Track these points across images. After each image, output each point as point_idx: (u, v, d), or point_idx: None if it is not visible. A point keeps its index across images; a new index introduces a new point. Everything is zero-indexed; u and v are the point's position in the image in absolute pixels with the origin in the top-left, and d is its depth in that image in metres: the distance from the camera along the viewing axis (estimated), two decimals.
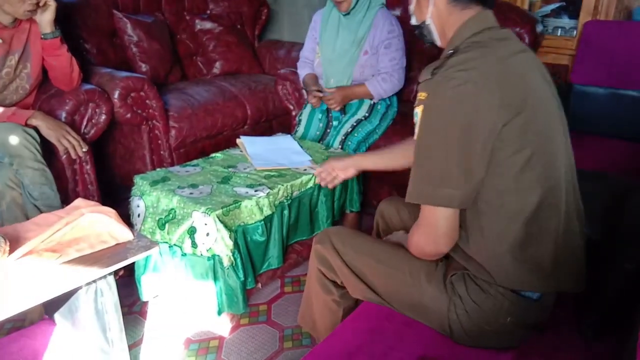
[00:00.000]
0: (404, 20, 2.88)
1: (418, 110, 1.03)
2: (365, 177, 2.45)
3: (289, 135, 2.29)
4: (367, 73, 2.34)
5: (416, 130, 1.04)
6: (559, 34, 2.84)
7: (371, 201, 2.51)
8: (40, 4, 1.85)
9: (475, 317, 1.09)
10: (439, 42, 1.18)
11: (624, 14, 2.77)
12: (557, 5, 2.92)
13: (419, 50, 2.69)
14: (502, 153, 0.98)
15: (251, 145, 2.14)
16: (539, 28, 2.59)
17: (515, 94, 0.99)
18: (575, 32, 2.73)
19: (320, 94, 2.29)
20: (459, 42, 1.06)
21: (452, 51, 1.04)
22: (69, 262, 1.23)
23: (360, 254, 1.26)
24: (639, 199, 1.27)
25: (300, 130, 2.41)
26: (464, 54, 1.01)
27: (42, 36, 1.91)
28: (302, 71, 2.48)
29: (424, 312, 1.16)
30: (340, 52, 2.33)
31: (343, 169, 1.64)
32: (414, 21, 1.21)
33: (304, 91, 2.48)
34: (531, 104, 1.00)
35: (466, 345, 1.13)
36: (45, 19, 1.88)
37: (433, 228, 1.04)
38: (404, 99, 2.69)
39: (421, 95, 1.02)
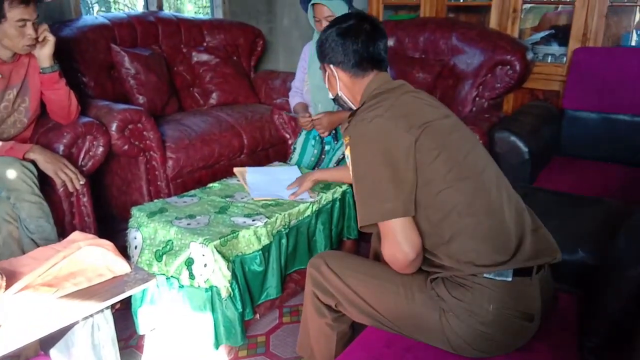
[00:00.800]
0: (396, 50, 2.95)
1: (347, 152, 1.22)
2: None
3: (295, 166, 2.29)
4: None
5: (350, 167, 1.21)
6: (549, 60, 2.89)
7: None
8: (40, 39, 1.88)
9: (462, 314, 1.14)
10: (354, 107, 1.40)
11: (613, 40, 2.84)
12: (546, 32, 2.99)
13: (411, 79, 2.73)
14: (424, 161, 1.16)
15: (252, 175, 2.15)
16: (530, 55, 2.65)
17: (416, 118, 1.20)
18: (565, 59, 2.78)
19: (308, 119, 2.31)
20: (365, 98, 1.32)
21: (361, 105, 1.30)
22: (66, 296, 1.22)
23: (355, 272, 1.32)
24: (633, 222, 1.28)
25: (295, 157, 2.42)
26: (368, 104, 1.26)
27: (41, 70, 1.94)
28: (293, 100, 2.51)
29: (420, 324, 1.21)
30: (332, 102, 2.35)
31: (302, 182, 1.99)
32: (329, 95, 1.46)
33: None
34: (430, 122, 1.20)
35: (470, 355, 1.17)
36: (44, 54, 1.91)
37: (393, 238, 1.16)
38: None
39: (345, 139, 1.23)
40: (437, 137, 1.19)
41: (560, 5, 3.06)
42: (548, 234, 1.24)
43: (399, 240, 1.15)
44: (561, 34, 2.93)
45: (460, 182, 1.17)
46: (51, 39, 1.90)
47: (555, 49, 2.93)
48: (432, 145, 1.17)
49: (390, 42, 2.98)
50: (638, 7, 2.75)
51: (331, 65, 1.38)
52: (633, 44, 2.73)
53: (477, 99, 2.66)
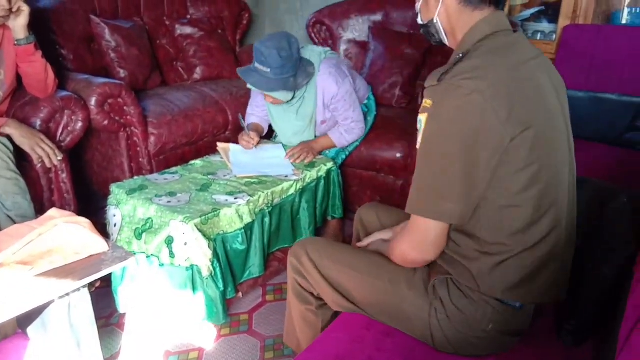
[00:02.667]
0: (385, 25, 2.90)
1: (422, 118, 0.98)
2: (347, 183, 2.44)
3: (280, 145, 2.25)
4: (330, 126, 2.27)
5: (419, 138, 1.00)
6: (538, 38, 2.86)
7: (354, 207, 2.50)
8: (14, 10, 1.80)
9: (457, 322, 1.08)
10: (447, 42, 1.13)
11: (603, 17, 2.81)
12: (536, 9, 2.95)
13: (399, 55, 2.69)
14: (507, 169, 0.95)
15: (235, 152, 2.12)
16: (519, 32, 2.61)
17: (526, 107, 0.94)
18: (554, 36, 2.75)
19: (254, 140, 2.15)
20: (469, 45, 1.02)
21: (460, 55, 1.00)
22: (42, 274, 1.20)
23: (337, 264, 1.23)
24: (618, 203, 1.27)
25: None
26: (473, 61, 0.96)
27: (16, 42, 1.87)
28: (249, 118, 2.33)
29: (405, 319, 1.15)
30: (299, 132, 2.24)
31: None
32: (420, 20, 1.15)
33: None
34: (541, 117, 0.97)
35: (448, 352, 1.12)
36: (19, 24, 1.83)
37: (423, 237, 1.02)
38: (385, 103, 2.69)
39: (426, 102, 0.97)
40: (539, 147, 0.96)
41: None
42: (569, 270, 1.12)
43: (427, 243, 1.02)
44: (551, 11, 2.89)
45: (534, 205, 0.98)
46: (25, 9, 1.82)
47: (545, 26, 2.90)
48: (528, 154, 0.94)
49: (379, 17, 2.93)
50: None
51: None
52: (624, 22, 2.70)
53: None
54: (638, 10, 2.66)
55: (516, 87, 0.94)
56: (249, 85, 2.04)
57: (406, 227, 1.06)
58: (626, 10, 2.70)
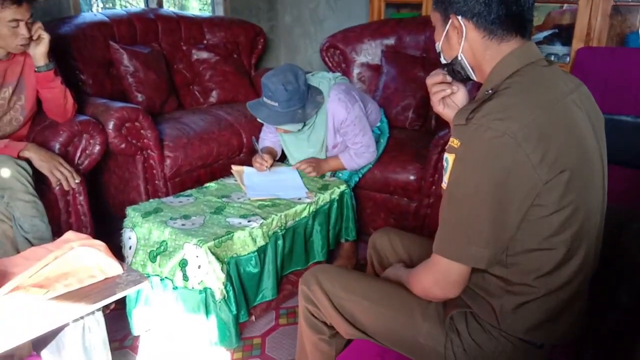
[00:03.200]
0: (397, 49, 2.92)
1: (449, 157, 0.94)
2: (360, 205, 2.44)
3: (296, 170, 2.27)
4: (341, 149, 2.28)
5: (445, 177, 0.96)
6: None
7: (367, 229, 2.50)
8: (34, 37, 1.86)
9: (474, 356, 1.06)
10: (474, 77, 1.07)
11: (616, 40, 2.81)
12: (549, 32, 2.96)
13: (411, 78, 2.70)
14: (539, 212, 0.91)
15: (250, 174, 2.14)
16: None
17: (560, 149, 0.89)
18: (568, 59, 2.75)
19: (267, 163, 2.17)
20: (498, 80, 0.97)
21: (490, 91, 0.95)
22: (57, 297, 1.21)
23: (349, 293, 1.20)
24: (636, 228, 1.25)
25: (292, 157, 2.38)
26: (503, 99, 0.90)
27: (36, 69, 1.92)
28: (263, 142, 2.36)
29: (419, 350, 1.13)
30: (309, 154, 2.26)
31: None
32: (443, 59, 1.10)
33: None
34: (577, 158, 0.92)
35: None
36: (39, 52, 1.89)
37: (445, 277, 0.99)
38: (398, 125, 2.70)
39: (453, 142, 0.93)
40: (573, 190, 0.91)
41: (565, 5, 3.03)
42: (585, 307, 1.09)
43: (449, 282, 0.99)
44: (565, 34, 2.90)
45: (565, 248, 0.95)
46: (45, 37, 1.88)
47: (558, 48, 2.90)
48: (562, 197, 0.90)
49: (391, 41, 2.96)
50: None
51: (459, 17, 0.99)
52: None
53: None
54: None
55: (550, 128, 0.89)
56: (259, 120, 2.07)
57: (428, 262, 1.04)
58: None
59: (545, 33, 2.97)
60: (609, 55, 2.51)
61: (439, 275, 1.00)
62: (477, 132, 0.89)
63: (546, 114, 0.90)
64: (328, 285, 1.23)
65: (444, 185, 0.97)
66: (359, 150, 2.20)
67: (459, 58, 1.05)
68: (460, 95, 1.17)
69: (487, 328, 1.05)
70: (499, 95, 0.92)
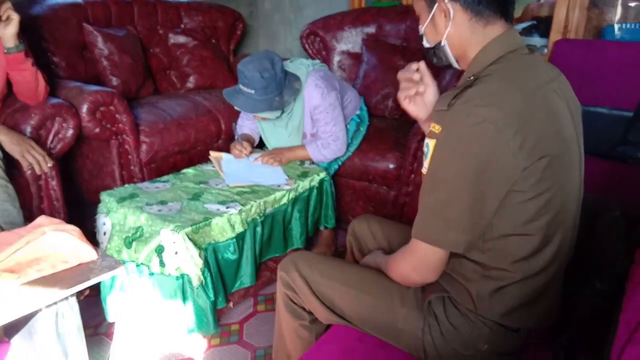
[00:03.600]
0: (378, 37, 2.91)
1: (430, 143, 0.94)
2: (339, 193, 2.43)
3: None
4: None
5: (425, 163, 0.96)
6: None
7: (346, 217, 2.50)
8: (3, 18, 1.79)
9: (452, 340, 1.07)
10: (456, 65, 1.08)
11: (594, 33, 2.84)
12: (528, 24, 2.98)
13: (392, 67, 2.70)
14: (516, 198, 0.92)
15: (228, 161, 2.11)
16: None
17: (539, 136, 0.90)
18: (546, 51, 2.78)
19: (247, 150, 2.16)
20: (481, 67, 0.97)
21: (472, 78, 0.95)
22: (29, 283, 1.18)
23: (328, 279, 1.20)
24: (610, 217, 1.27)
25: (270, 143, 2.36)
26: (485, 85, 0.91)
27: (6, 50, 1.84)
28: (241, 129, 2.35)
29: (398, 335, 1.13)
30: (287, 144, 2.24)
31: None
32: (425, 43, 1.09)
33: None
34: (555, 145, 0.93)
35: None
36: (8, 33, 1.80)
37: (423, 262, 1.00)
38: (378, 114, 2.70)
39: (434, 127, 0.92)
40: (551, 176, 0.92)
41: None
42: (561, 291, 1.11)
43: (428, 267, 0.99)
44: (543, 25, 2.92)
45: (542, 234, 0.96)
46: (15, 17, 1.79)
47: (536, 40, 2.93)
48: (539, 183, 0.92)
49: (372, 29, 2.95)
50: (620, 1, 2.76)
51: (446, 1, 0.99)
52: (615, 37, 2.73)
53: None
54: (628, 26, 2.70)
55: (530, 115, 0.90)
56: (235, 107, 2.04)
57: (406, 248, 1.04)
58: (616, 26, 2.74)
59: (524, 24, 2.99)
60: (586, 47, 2.54)
61: (418, 260, 1.01)
62: (458, 117, 0.89)
63: (527, 101, 0.90)
64: (307, 271, 1.23)
65: (424, 170, 0.97)
66: (327, 141, 2.15)
67: (442, 44, 1.04)
68: (429, 94, 1.18)
69: (464, 312, 1.05)
70: (481, 82, 0.92)
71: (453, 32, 1.01)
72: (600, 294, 1.12)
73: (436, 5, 1.01)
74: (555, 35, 2.70)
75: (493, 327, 1.04)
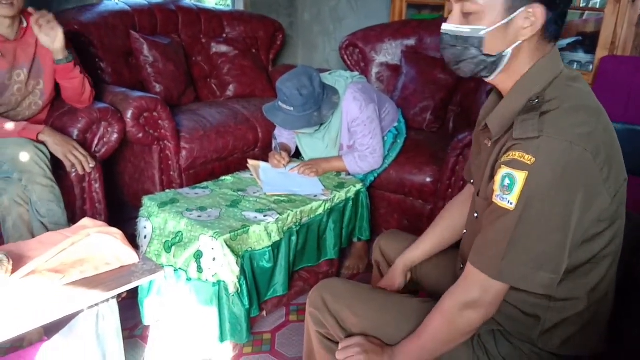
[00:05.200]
0: (418, 49, 2.89)
1: (517, 175, 0.85)
2: (374, 205, 2.42)
3: None
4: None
5: (509, 197, 0.86)
6: (575, 68, 2.82)
7: (380, 229, 2.47)
8: (45, 30, 1.79)
9: None
10: (494, 77, 0.98)
11: None
12: (572, 39, 2.92)
13: (431, 80, 2.68)
14: (598, 227, 0.89)
15: (266, 169, 2.13)
16: None
17: (618, 166, 0.88)
18: (591, 67, 2.71)
19: (285, 160, 2.16)
20: (539, 88, 0.91)
21: (536, 100, 0.89)
22: (72, 283, 1.21)
23: (359, 317, 1.12)
24: None
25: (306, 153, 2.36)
26: (566, 111, 0.85)
27: (56, 62, 1.90)
28: (278, 139, 2.33)
29: None
30: (324, 153, 2.23)
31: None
32: (483, 50, 0.93)
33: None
34: (623, 173, 0.91)
35: None
36: (57, 47, 1.85)
37: (479, 295, 0.92)
38: (416, 127, 2.67)
39: (524, 157, 0.84)
40: (623, 201, 0.92)
41: (587, 12, 3.00)
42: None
43: (485, 302, 0.91)
44: (588, 41, 2.86)
45: (609, 260, 0.93)
46: (59, 30, 1.82)
47: (581, 56, 2.87)
48: (616, 211, 0.89)
49: (412, 42, 2.94)
50: None
51: (535, 5, 0.88)
52: None
53: None
54: None
55: (611, 145, 0.87)
56: (276, 124, 2.07)
57: (461, 287, 0.95)
58: None
59: (569, 40, 2.94)
60: (634, 64, 2.47)
61: (474, 294, 0.93)
62: (560, 146, 0.82)
63: (602, 127, 0.87)
64: (335, 307, 1.16)
65: (505, 204, 0.87)
66: (364, 153, 2.15)
67: (505, 53, 0.93)
68: None
69: (518, 345, 1.01)
70: (559, 106, 0.86)
71: (525, 46, 0.92)
72: None
73: (523, 9, 0.88)
74: (601, 51, 2.63)
75: (546, 358, 1.00)
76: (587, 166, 0.83)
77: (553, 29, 0.92)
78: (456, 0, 0.93)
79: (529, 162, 0.83)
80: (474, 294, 0.93)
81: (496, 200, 0.89)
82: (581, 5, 2.93)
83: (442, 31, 0.96)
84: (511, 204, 0.86)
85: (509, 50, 0.92)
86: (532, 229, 0.86)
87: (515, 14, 0.89)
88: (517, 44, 0.92)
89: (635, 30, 2.58)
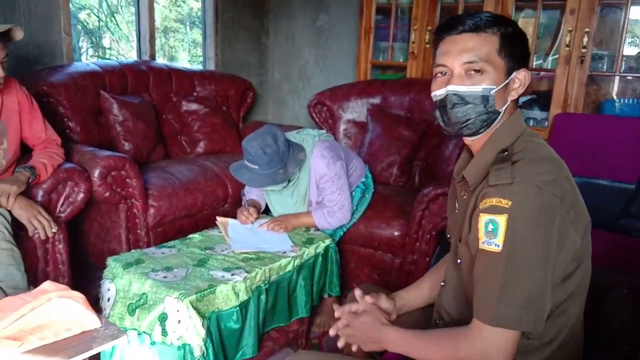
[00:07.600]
0: (383, 108, 3.00)
1: (498, 219, 0.91)
2: (344, 260, 2.43)
3: None
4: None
5: (495, 240, 0.92)
6: (531, 124, 2.96)
7: (351, 284, 2.47)
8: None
9: None
10: (480, 134, 1.06)
11: (592, 107, 2.93)
12: (528, 97, 3.08)
13: (396, 136, 2.77)
14: (570, 268, 0.97)
15: (234, 226, 2.13)
16: None
17: (581, 214, 0.98)
18: (546, 123, 2.85)
19: (253, 217, 2.16)
20: (509, 140, 1.02)
21: (506, 153, 0.99)
22: (31, 351, 1.17)
23: None
24: (618, 294, 1.26)
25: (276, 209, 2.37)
26: (533, 161, 0.95)
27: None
28: (249, 195, 2.36)
29: None
30: (293, 209, 2.27)
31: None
32: (492, 107, 1.01)
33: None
34: (586, 217, 1.00)
35: None
36: (16, 212, 1.81)
37: (499, 350, 0.92)
38: (383, 181, 2.73)
39: (501, 202, 0.92)
40: (589, 242, 1.01)
41: (542, 72, 3.17)
42: None
43: (503, 356, 0.93)
44: (543, 99, 3.02)
45: (581, 300, 1.03)
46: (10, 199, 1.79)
47: (537, 113, 3.01)
48: (585, 250, 0.99)
49: (377, 100, 3.05)
50: (616, 77, 2.86)
51: (523, 71, 1.03)
52: (615, 111, 2.81)
53: None
54: (626, 101, 2.78)
55: (573, 190, 0.97)
56: (242, 182, 2.12)
57: (461, 334, 0.98)
58: (616, 101, 2.83)
59: (524, 98, 3.08)
60: (586, 121, 2.62)
61: (485, 349, 0.93)
62: (530, 190, 0.91)
63: (564, 176, 0.97)
64: None
65: (490, 247, 0.93)
66: (332, 209, 2.18)
67: (500, 110, 1.03)
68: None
69: None
70: (526, 156, 0.96)
71: (511, 106, 1.05)
72: None
73: (518, 72, 1.02)
74: (555, 108, 2.78)
75: None
76: (556, 208, 0.91)
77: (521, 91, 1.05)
78: (461, 63, 1.01)
79: (506, 206, 0.91)
80: (467, 344, 0.96)
81: (483, 246, 0.95)
82: (534, 67, 3.09)
83: (448, 92, 1.02)
84: (498, 246, 0.92)
85: (504, 108, 1.03)
86: (519, 268, 0.91)
87: (511, 77, 1.02)
88: (508, 103, 1.04)
89: (585, 89, 2.75)
